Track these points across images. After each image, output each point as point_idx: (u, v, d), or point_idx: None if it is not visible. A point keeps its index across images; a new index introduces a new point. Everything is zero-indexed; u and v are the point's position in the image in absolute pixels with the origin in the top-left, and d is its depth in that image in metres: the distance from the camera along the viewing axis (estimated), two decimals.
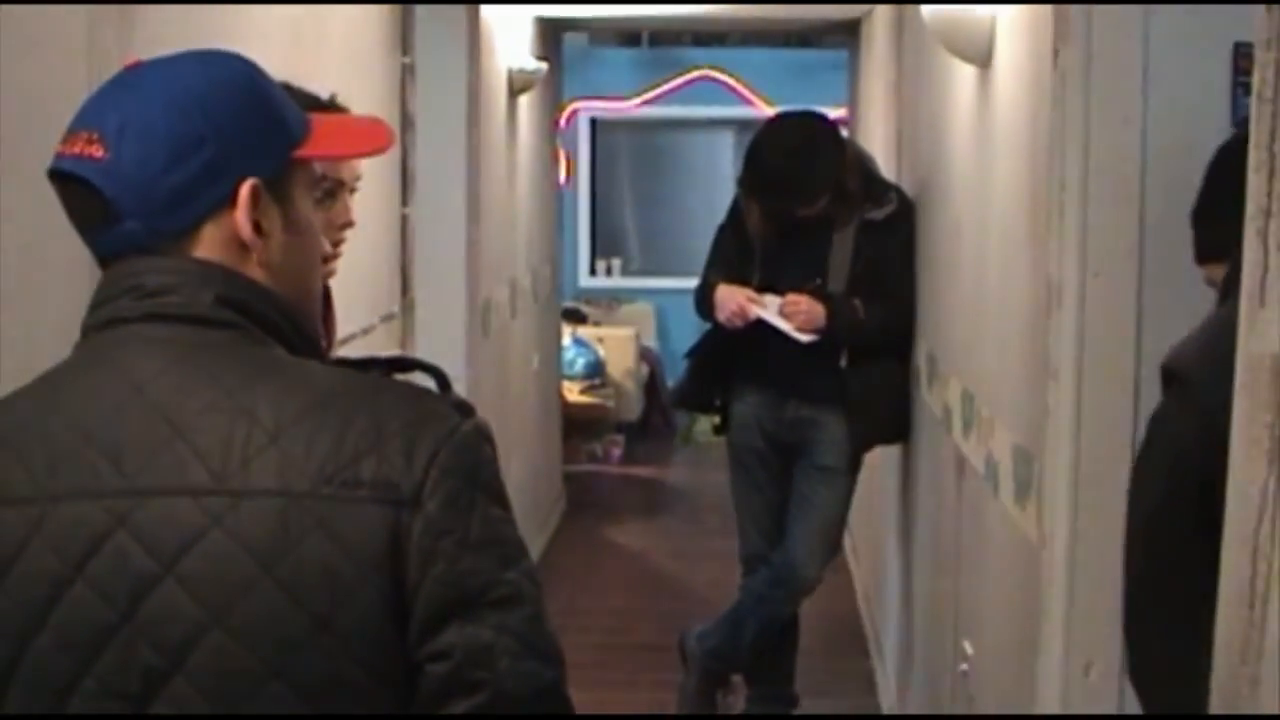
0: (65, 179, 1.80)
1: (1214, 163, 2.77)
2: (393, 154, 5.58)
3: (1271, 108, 1.46)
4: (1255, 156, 1.49)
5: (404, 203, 5.71)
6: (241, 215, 1.80)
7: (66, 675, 1.70)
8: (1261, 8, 1.48)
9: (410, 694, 1.73)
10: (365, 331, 5.02)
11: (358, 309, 4.82)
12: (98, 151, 1.76)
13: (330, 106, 2.96)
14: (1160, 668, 2.56)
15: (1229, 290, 2.55)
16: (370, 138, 2.06)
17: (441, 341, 6.35)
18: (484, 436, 1.79)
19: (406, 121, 5.71)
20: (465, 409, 1.81)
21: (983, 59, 4.23)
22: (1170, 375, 2.52)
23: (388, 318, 5.47)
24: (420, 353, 5.81)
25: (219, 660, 1.68)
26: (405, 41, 5.73)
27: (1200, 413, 2.33)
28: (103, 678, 1.69)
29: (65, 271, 2.69)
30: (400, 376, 1.89)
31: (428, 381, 1.89)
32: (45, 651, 1.70)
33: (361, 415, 1.74)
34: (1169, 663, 2.49)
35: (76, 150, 1.78)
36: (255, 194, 1.81)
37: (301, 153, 1.89)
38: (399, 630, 1.71)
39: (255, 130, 1.84)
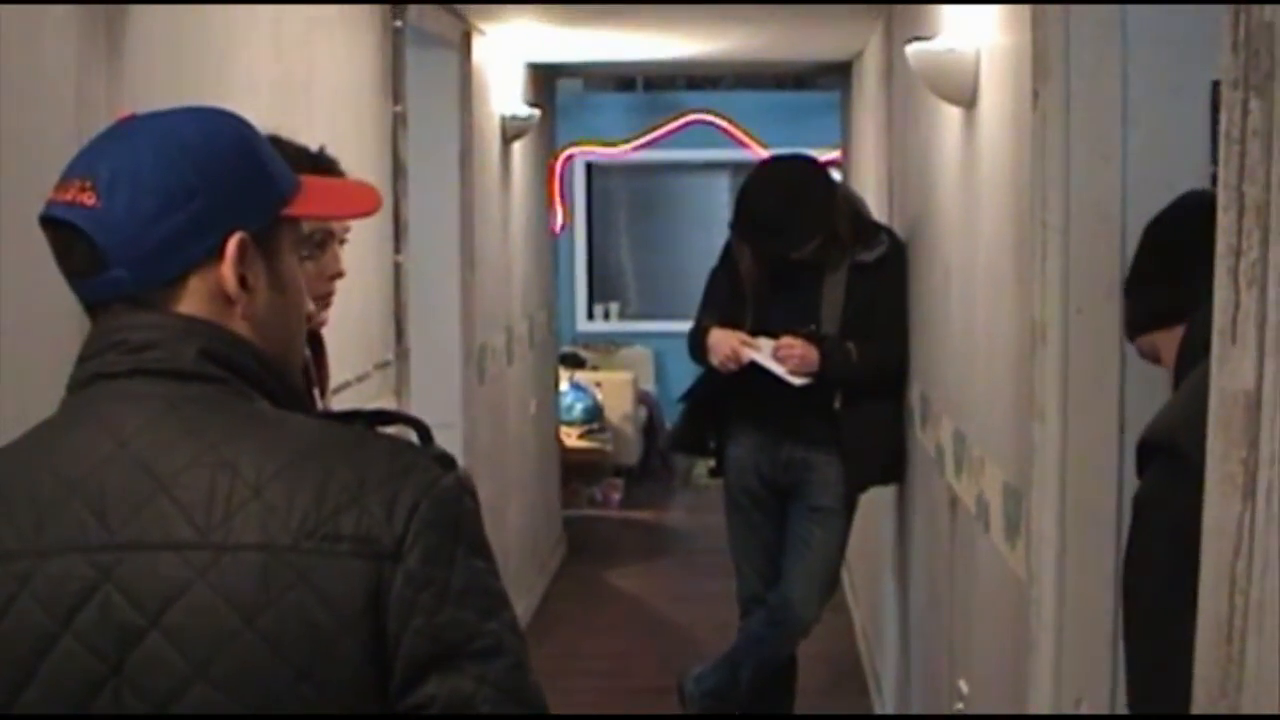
0: (56, 225, 1.82)
1: (1145, 235, 2.82)
2: (385, 202, 5.59)
3: (1240, 147, 1.48)
4: (1224, 195, 1.51)
5: (397, 250, 5.72)
6: (228, 269, 1.82)
7: None
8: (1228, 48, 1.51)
9: None
10: (360, 379, 5.04)
11: (351, 357, 4.84)
12: (89, 199, 1.78)
13: (319, 158, 2.98)
14: None
15: (1189, 355, 2.55)
16: (359, 200, 2.09)
17: (436, 388, 6.38)
18: (465, 489, 1.81)
19: (398, 169, 5.73)
20: (447, 461, 1.83)
21: (967, 100, 4.26)
22: (1155, 448, 2.41)
23: (382, 365, 5.48)
24: (415, 399, 5.83)
25: (204, 710, 1.70)
26: (396, 90, 5.75)
27: (1200, 485, 2.26)
28: None
29: (56, 321, 2.71)
30: (383, 429, 1.91)
31: (411, 435, 1.91)
32: (35, 704, 1.72)
33: (343, 469, 1.75)
34: None
35: (68, 197, 1.80)
36: (242, 248, 1.83)
37: (290, 210, 1.91)
38: (380, 681, 1.73)
39: (245, 185, 1.86)
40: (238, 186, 1.85)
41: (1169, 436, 2.38)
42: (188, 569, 1.71)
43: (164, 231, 1.79)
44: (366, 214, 2.10)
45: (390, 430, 1.93)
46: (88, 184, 1.79)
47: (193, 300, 1.82)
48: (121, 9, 3.19)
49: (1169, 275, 2.72)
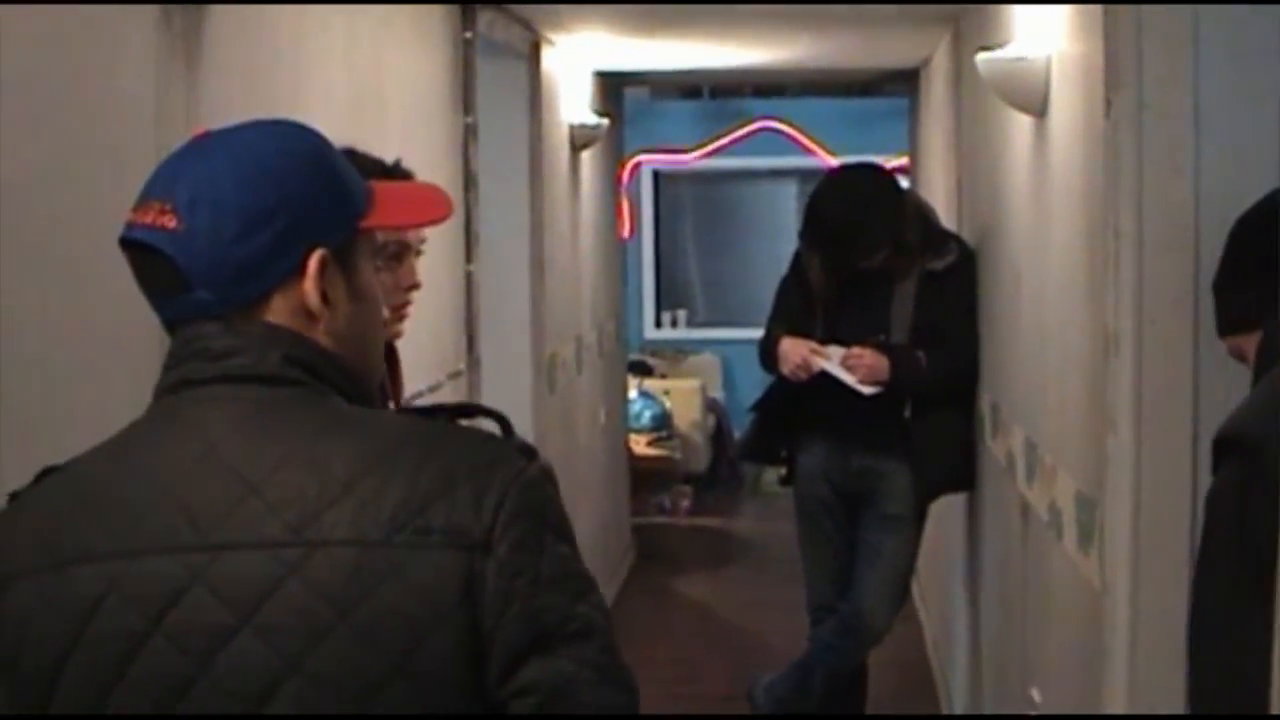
0: (137, 247, 1.83)
1: (1233, 234, 2.78)
2: (456, 213, 5.63)
3: None
4: None
5: (468, 260, 5.75)
6: (310, 286, 1.84)
7: None
8: None
9: None
10: (432, 389, 5.07)
11: (424, 367, 4.87)
12: (170, 222, 1.80)
13: (395, 171, 3.00)
14: None
15: (1267, 357, 2.55)
16: (431, 206, 2.10)
17: (507, 398, 6.39)
18: (548, 478, 1.85)
19: (469, 181, 5.76)
20: (529, 452, 1.86)
21: (1038, 108, 4.26)
22: (1229, 445, 2.41)
23: (454, 375, 5.52)
24: None
25: (298, 707, 1.72)
26: (467, 102, 5.78)
27: (1271, 482, 2.21)
28: None
29: (140, 334, 2.75)
30: (464, 422, 1.94)
31: (492, 426, 1.94)
32: (124, 705, 1.74)
33: (431, 463, 1.78)
34: None
35: (149, 220, 1.81)
36: (323, 264, 1.85)
37: (366, 223, 1.93)
38: (474, 671, 1.75)
39: (323, 202, 1.88)
40: (316, 204, 1.87)
41: (1240, 433, 2.39)
42: (280, 566, 1.73)
43: (246, 253, 1.81)
44: (439, 219, 2.11)
45: (470, 423, 1.96)
46: (168, 206, 1.81)
47: (276, 316, 1.84)
48: (197, 25, 3.23)
49: (1253, 276, 2.70)
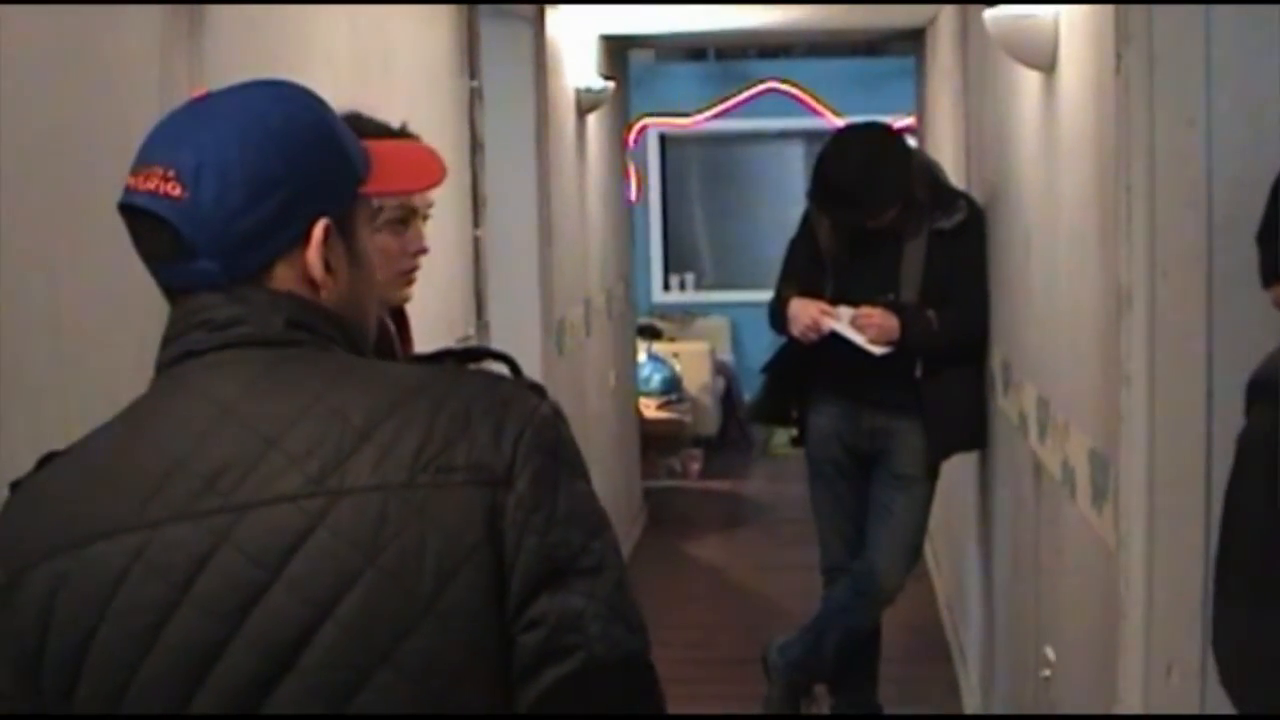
0: (137, 213, 1.82)
1: (1277, 183, 2.76)
2: (463, 177, 5.62)
3: None
4: None
5: (475, 225, 5.74)
6: (314, 255, 1.84)
7: (179, 695, 1.73)
8: None
9: (504, 669, 1.77)
10: None
11: (433, 332, 4.86)
12: (175, 190, 1.78)
13: (402, 134, 2.99)
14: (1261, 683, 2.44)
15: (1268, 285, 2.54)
16: (426, 170, 2.09)
17: (516, 361, 6.38)
18: (560, 416, 1.86)
19: (475, 145, 5.75)
20: (539, 390, 1.88)
21: (1047, 64, 4.23)
22: (1260, 388, 2.42)
23: (463, 340, 5.51)
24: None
25: (330, 655, 1.71)
26: (472, 65, 5.76)
27: None
28: (213, 691, 1.72)
29: (142, 303, 2.73)
30: (473, 365, 1.95)
31: (500, 369, 1.95)
32: (154, 677, 1.73)
33: (447, 404, 1.79)
34: None
35: (152, 186, 1.79)
36: (328, 233, 1.84)
37: (365, 189, 1.93)
38: (497, 605, 1.76)
39: (328, 169, 1.87)
40: (321, 172, 1.86)
41: (1272, 377, 2.37)
42: (306, 518, 1.73)
43: (252, 223, 1.80)
44: (436, 183, 2.11)
45: (478, 365, 1.96)
46: (171, 173, 1.79)
47: (279, 285, 1.84)
48: None
49: None
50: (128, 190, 1.82)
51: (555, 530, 1.77)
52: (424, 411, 1.77)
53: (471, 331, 5.66)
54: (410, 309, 3.19)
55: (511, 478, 1.77)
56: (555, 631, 1.76)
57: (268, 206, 1.80)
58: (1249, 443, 2.44)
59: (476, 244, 5.76)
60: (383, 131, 2.87)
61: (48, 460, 1.87)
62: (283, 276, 1.83)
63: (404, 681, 1.73)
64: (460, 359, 1.97)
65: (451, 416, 1.77)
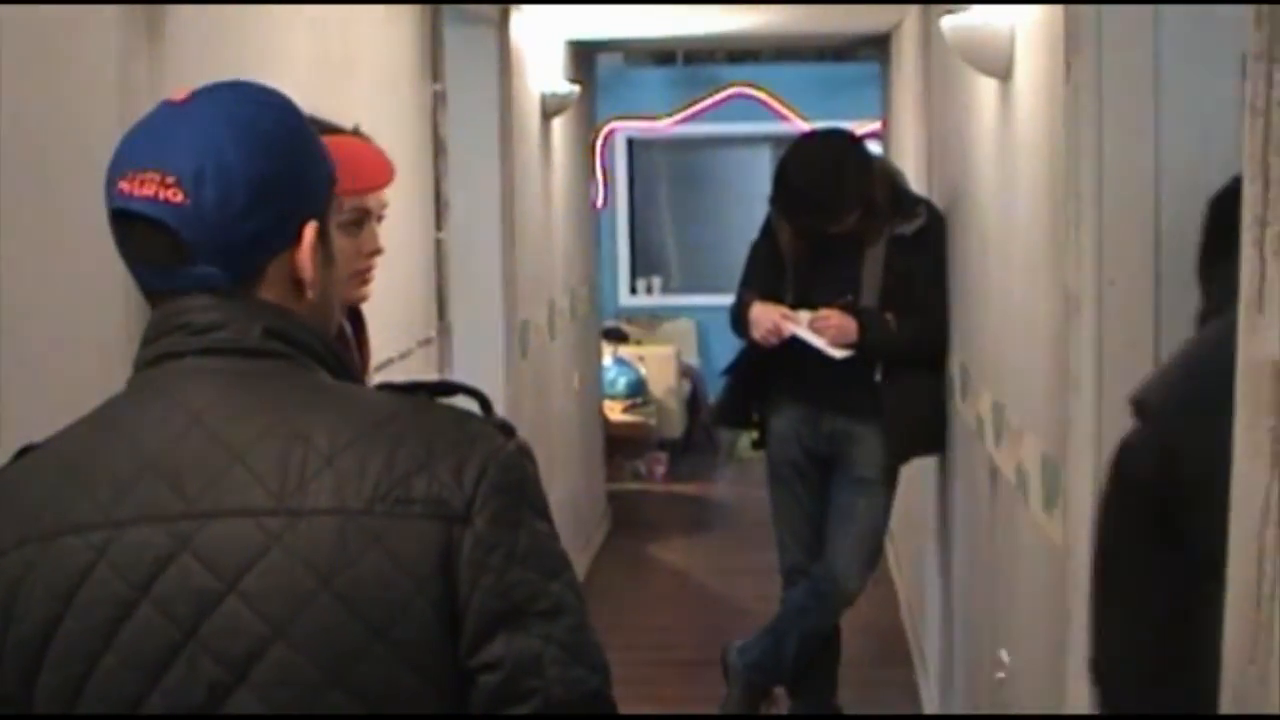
0: (132, 218, 1.82)
1: (1208, 216, 2.78)
2: (426, 180, 5.63)
3: (1264, 119, 1.49)
4: (1249, 168, 1.52)
5: (438, 228, 5.75)
6: (305, 256, 1.87)
7: (134, 692, 1.76)
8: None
9: (460, 699, 1.80)
10: (402, 356, 5.07)
11: (394, 334, 4.87)
12: (176, 195, 1.79)
13: (355, 138, 3.00)
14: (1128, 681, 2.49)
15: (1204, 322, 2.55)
16: (380, 170, 2.13)
17: (479, 364, 6.41)
18: (526, 455, 1.87)
19: (438, 148, 5.76)
20: (508, 429, 1.89)
21: (1003, 71, 4.26)
22: (1138, 406, 2.41)
23: (425, 342, 5.52)
24: (458, 375, 5.84)
25: (281, 671, 1.75)
26: (435, 68, 5.77)
27: (1159, 448, 2.27)
28: (168, 693, 1.76)
29: (103, 304, 2.75)
30: (444, 400, 1.96)
31: (471, 404, 1.96)
32: (113, 670, 1.76)
33: (412, 437, 1.81)
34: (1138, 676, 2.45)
35: (150, 192, 1.80)
36: (316, 234, 1.88)
37: (336, 189, 1.96)
38: (450, 638, 1.78)
39: (313, 170, 1.91)
40: (309, 173, 1.90)
41: (1148, 397, 2.40)
42: (264, 534, 1.76)
43: (253, 226, 1.83)
44: (387, 182, 2.14)
45: (449, 400, 1.98)
46: (170, 179, 1.80)
47: (268, 288, 1.87)
48: None
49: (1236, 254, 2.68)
50: (120, 195, 1.82)
51: (513, 570, 1.79)
52: (387, 442, 1.79)
53: (433, 334, 5.67)
54: (370, 310, 3.20)
55: (470, 515, 1.78)
56: (513, 674, 1.79)
57: (270, 210, 1.83)
58: (1115, 458, 2.45)
59: (439, 247, 5.76)
60: (336, 133, 2.89)
61: (25, 453, 1.90)
62: (272, 279, 1.86)
63: (355, 702, 1.76)
64: (432, 392, 1.98)
65: (414, 449, 1.80)
